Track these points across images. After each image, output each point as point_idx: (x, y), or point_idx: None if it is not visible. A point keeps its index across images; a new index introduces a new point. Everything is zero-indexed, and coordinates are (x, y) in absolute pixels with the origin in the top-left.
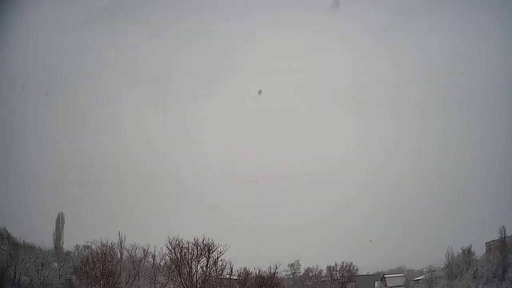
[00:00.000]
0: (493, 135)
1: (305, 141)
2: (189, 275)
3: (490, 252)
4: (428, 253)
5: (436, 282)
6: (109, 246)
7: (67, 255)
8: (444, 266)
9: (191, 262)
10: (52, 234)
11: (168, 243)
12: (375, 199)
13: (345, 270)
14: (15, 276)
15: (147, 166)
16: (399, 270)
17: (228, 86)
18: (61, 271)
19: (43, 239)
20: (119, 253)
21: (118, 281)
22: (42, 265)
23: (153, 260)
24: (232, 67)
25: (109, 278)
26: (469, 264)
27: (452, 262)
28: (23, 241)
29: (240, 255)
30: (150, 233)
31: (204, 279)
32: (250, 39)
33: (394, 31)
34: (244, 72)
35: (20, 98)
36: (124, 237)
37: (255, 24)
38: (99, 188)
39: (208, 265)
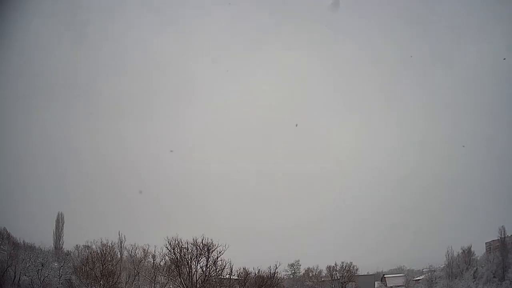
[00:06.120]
0: (494, 135)
1: (305, 141)
2: (189, 275)
3: (490, 252)
4: (428, 253)
5: (436, 282)
6: (109, 246)
7: (67, 255)
8: (444, 266)
9: (190, 262)
10: (52, 234)
11: (167, 243)
12: (375, 200)
13: (345, 270)
14: (15, 276)
15: (147, 166)
16: (399, 270)
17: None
18: (61, 271)
19: (43, 239)
20: (119, 253)
21: (118, 281)
22: (42, 265)
23: (153, 260)
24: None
25: (109, 278)
26: (469, 264)
27: (452, 262)
28: (23, 241)
29: (240, 255)
30: (150, 233)
31: (204, 279)
32: None
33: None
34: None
35: (20, 99)
36: (124, 237)
37: None
38: (99, 188)
39: (208, 265)
